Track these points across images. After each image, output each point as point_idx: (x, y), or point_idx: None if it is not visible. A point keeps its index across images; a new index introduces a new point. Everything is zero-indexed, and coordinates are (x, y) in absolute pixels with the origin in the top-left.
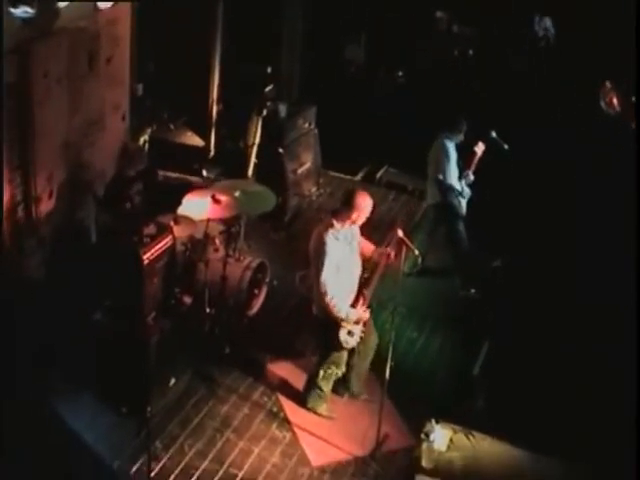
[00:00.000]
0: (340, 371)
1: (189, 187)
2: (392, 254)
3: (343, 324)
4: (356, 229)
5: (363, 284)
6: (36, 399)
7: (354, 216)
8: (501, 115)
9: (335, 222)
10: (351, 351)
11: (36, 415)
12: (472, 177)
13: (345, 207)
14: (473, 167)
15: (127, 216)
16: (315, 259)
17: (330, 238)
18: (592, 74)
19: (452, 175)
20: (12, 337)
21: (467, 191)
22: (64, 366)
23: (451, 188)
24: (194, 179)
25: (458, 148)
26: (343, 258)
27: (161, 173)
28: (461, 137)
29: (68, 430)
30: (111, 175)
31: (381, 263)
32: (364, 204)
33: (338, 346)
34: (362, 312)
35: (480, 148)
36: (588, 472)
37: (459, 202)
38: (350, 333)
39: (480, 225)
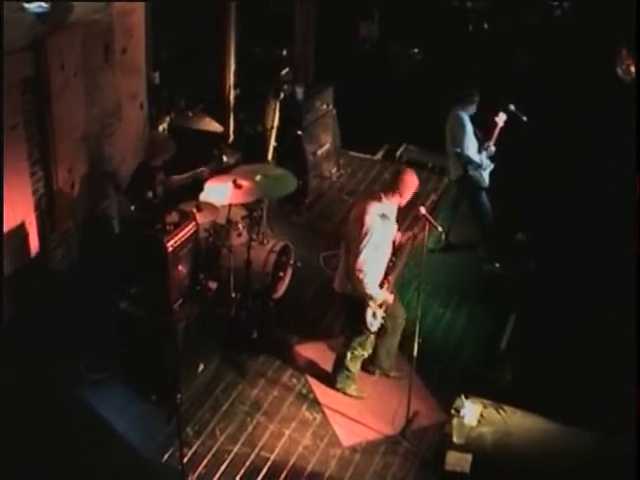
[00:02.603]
0: (367, 352)
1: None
2: (418, 235)
3: (370, 303)
4: (394, 215)
5: (389, 270)
6: (64, 390)
7: (404, 193)
8: (518, 88)
9: (384, 197)
10: (378, 331)
11: (63, 405)
12: (493, 148)
13: (395, 184)
14: (494, 138)
15: (149, 205)
16: (355, 230)
17: (374, 216)
18: (609, 41)
19: (470, 147)
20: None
21: (488, 162)
22: (92, 356)
23: (471, 160)
24: (204, 170)
25: (473, 120)
26: (382, 237)
27: (176, 178)
28: (474, 109)
29: (99, 420)
30: (132, 164)
31: (407, 247)
32: (412, 181)
33: (363, 327)
34: (388, 295)
35: (501, 118)
36: (619, 443)
37: (481, 174)
38: (374, 315)
39: (503, 198)
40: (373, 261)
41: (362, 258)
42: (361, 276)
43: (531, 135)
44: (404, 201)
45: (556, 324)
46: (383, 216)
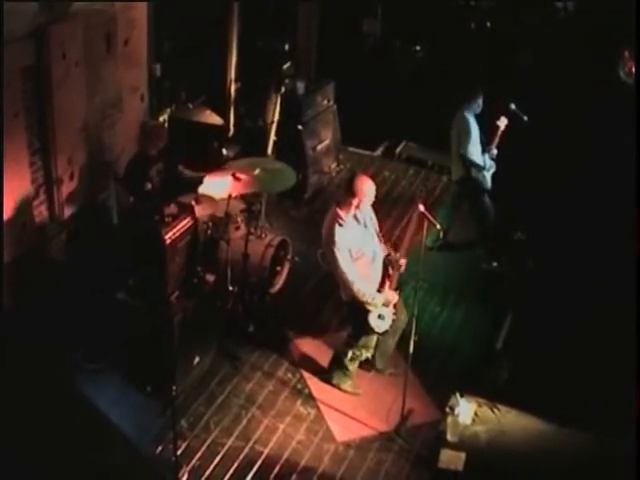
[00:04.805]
0: (370, 354)
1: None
2: (404, 265)
3: (371, 308)
4: (369, 211)
5: (388, 267)
6: (62, 380)
7: (356, 201)
8: (519, 88)
9: (339, 211)
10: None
11: (61, 396)
12: (495, 151)
13: (347, 194)
14: (496, 141)
15: (148, 196)
16: (327, 249)
17: (337, 228)
18: (609, 41)
19: (475, 149)
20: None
21: (492, 164)
22: (89, 346)
23: (474, 162)
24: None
25: (479, 120)
26: (357, 243)
27: (181, 169)
28: (479, 105)
29: (94, 410)
30: (131, 155)
31: (406, 243)
32: (364, 187)
33: (369, 330)
34: (390, 294)
35: (503, 122)
36: (612, 443)
37: (483, 176)
38: (381, 316)
39: (503, 198)
40: (363, 267)
41: (341, 270)
42: (350, 285)
43: (531, 135)
44: (365, 206)
45: (555, 324)
46: (348, 227)
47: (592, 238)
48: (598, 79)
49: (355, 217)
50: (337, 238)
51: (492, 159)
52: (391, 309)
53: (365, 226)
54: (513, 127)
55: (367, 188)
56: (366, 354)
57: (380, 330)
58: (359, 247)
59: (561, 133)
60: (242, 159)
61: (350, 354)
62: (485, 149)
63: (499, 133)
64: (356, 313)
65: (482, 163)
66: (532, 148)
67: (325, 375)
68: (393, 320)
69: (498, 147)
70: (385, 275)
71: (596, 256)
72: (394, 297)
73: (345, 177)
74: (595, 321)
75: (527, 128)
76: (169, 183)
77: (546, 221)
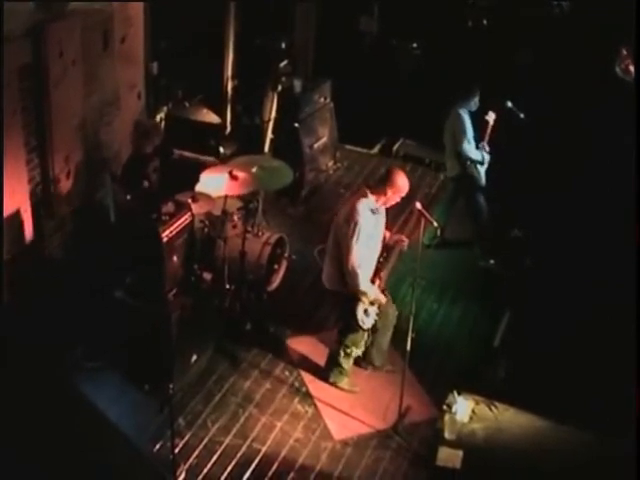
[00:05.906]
0: (360, 350)
1: (204, 166)
2: (406, 241)
3: (363, 299)
4: (383, 209)
5: (380, 266)
6: (61, 379)
7: (388, 193)
8: (518, 88)
9: (369, 194)
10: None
11: (60, 395)
12: (487, 147)
13: (382, 183)
14: (487, 137)
15: (145, 194)
16: (346, 227)
17: (364, 207)
18: (609, 41)
19: (470, 145)
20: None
21: (486, 157)
22: (87, 345)
23: (469, 159)
24: (209, 159)
25: (473, 116)
26: (372, 232)
27: (177, 152)
28: (475, 103)
29: (93, 409)
30: (128, 154)
31: (396, 249)
32: (401, 183)
33: (356, 325)
34: (379, 293)
35: (491, 117)
36: (612, 443)
37: (478, 173)
38: (366, 312)
39: (499, 195)
40: (364, 257)
41: (355, 254)
42: (357, 272)
43: (531, 135)
44: (392, 201)
45: (554, 323)
46: (372, 211)
47: (592, 238)
48: (598, 79)
49: (375, 209)
50: (362, 217)
51: (486, 154)
52: (375, 309)
53: (376, 219)
54: (510, 125)
55: (403, 185)
56: (356, 351)
57: (365, 326)
58: (370, 236)
59: (561, 133)
60: (239, 157)
61: (342, 352)
62: (478, 145)
63: (489, 128)
64: (344, 305)
65: (480, 158)
66: (532, 147)
67: (322, 373)
68: (382, 315)
69: (491, 143)
70: (376, 274)
71: (596, 256)
72: (382, 297)
73: (386, 169)
74: (595, 321)
75: (524, 125)
76: (167, 172)
77: (546, 221)
